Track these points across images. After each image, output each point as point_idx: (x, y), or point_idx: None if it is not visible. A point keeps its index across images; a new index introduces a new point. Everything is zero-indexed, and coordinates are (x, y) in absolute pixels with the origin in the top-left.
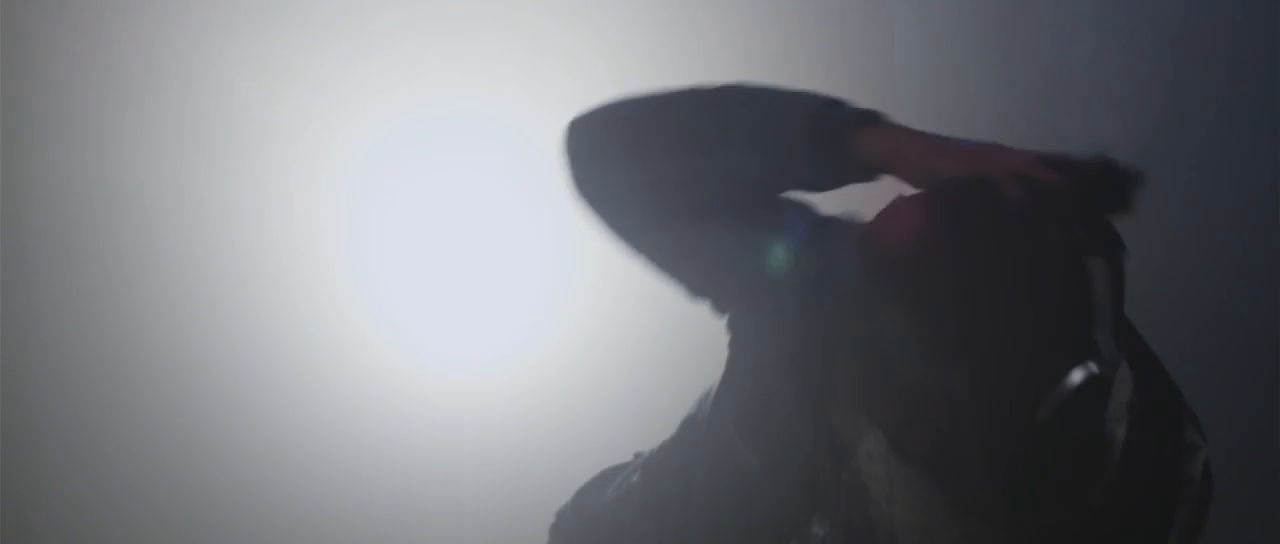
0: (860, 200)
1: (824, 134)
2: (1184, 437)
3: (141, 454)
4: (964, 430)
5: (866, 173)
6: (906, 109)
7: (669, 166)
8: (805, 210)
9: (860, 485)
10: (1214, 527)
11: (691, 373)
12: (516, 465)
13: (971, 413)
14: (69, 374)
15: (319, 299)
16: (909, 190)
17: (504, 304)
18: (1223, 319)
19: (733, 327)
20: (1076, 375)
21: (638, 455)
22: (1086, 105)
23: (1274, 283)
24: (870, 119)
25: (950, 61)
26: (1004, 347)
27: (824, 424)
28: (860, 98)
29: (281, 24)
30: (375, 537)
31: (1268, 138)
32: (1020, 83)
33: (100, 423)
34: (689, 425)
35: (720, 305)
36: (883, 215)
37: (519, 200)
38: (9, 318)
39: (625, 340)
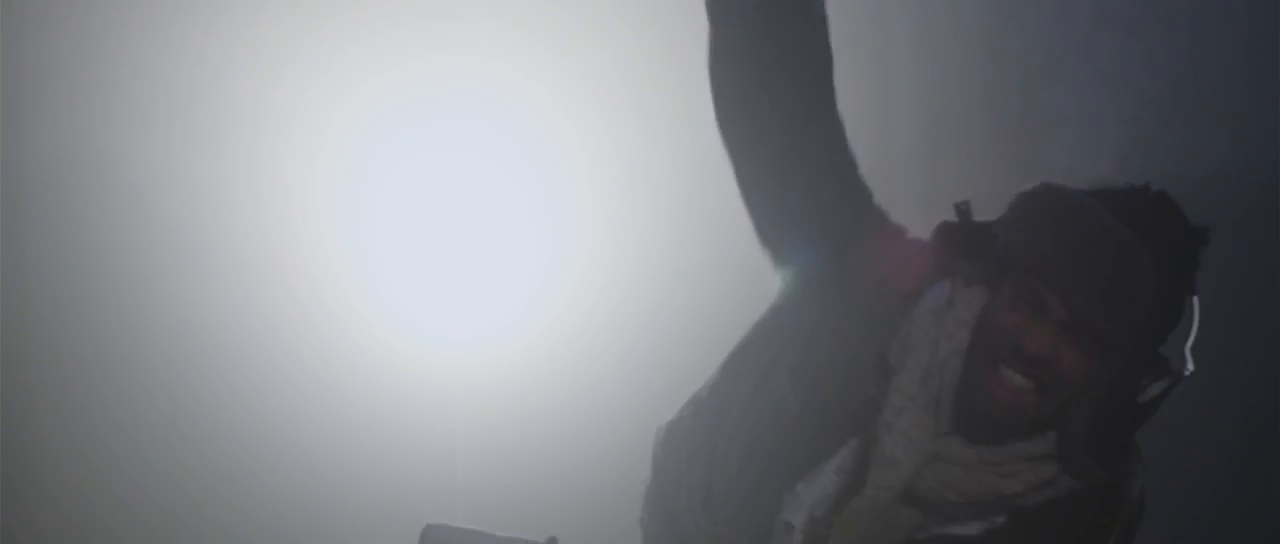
0: None
1: None
2: (1129, 464)
3: (143, 431)
4: (1072, 389)
5: None
6: (902, 88)
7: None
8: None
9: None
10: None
11: (679, 352)
12: (509, 441)
13: (1098, 380)
14: (69, 352)
15: (314, 279)
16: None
17: (497, 283)
18: (1219, 302)
19: (802, 279)
20: (1169, 379)
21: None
22: (1081, 84)
23: (1271, 266)
24: None
25: (946, 40)
26: (1140, 342)
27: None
28: (856, 78)
29: (273, 8)
30: (370, 509)
31: (1263, 118)
32: (1016, 61)
33: (104, 397)
34: (739, 360)
35: (809, 244)
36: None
37: (512, 182)
38: (5, 308)
39: (616, 319)
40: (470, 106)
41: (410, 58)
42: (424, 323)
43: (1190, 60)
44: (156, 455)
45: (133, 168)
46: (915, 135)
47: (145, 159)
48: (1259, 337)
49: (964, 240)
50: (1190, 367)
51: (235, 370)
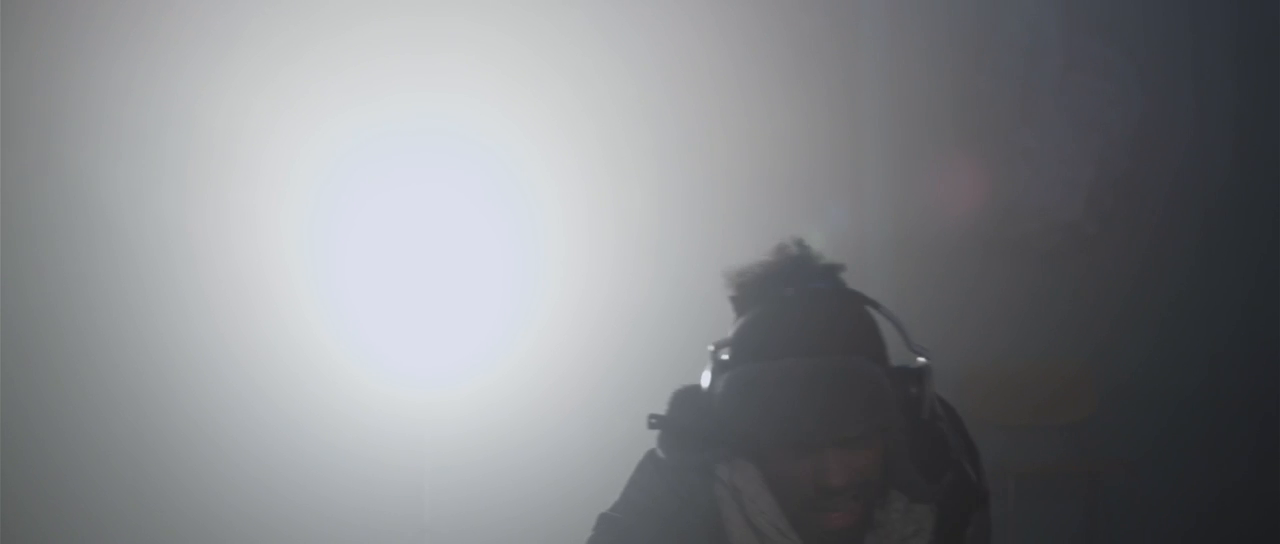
0: None
1: None
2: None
3: (102, 467)
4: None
5: None
6: (873, 125)
7: None
8: None
9: None
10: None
11: (646, 390)
12: (475, 479)
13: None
14: (26, 394)
15: (280, 314)
16: None
17: (465, 320)
18: (1184, 323)
19: None
20: (923, 378)
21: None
22: (1054, 125)
23: (1236, 294)
24: None
25: (918, 82)
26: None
27: None
28: (827, 120)
29: (245, 41)
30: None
31: (1232, 157)
32: (987, 101)
33: (62, 433)
34: None
35: None
36: None
37: (481, 219)
38: None
39: (584, 357)
40: (440, 143)
41: (380, 94)
42: (391, 359)
43: (1159, 102)
44: (112, 492)
45: (98, 190)
46: (885, 175)
47: (111, 182)
48: (1210, 354)
49: (685, 441)
50: (922, 358)
51: (196, 406)
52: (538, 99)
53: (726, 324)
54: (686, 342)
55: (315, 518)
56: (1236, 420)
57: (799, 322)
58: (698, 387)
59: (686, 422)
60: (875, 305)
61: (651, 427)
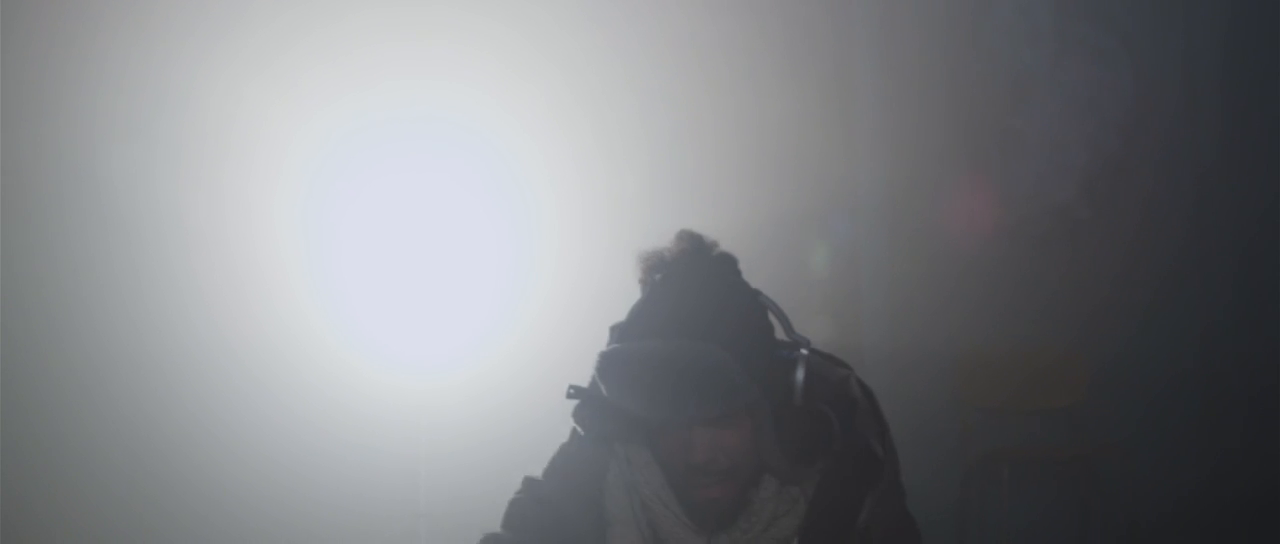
0: None
1: None
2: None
3: (98, 456)
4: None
5: None
6: (866, 111)
7: None
8: None
9: None
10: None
11: None
12: (471, 465)
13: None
14: (23, 378)
15: (275, 301)
16: None
17: (460, 307)
18: (1176, 307)
19: None
20: (800, 360)
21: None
22: (1046, 110)
23: (1227, 277)
24: None
25: (911, 66)
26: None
27: None
28: (820, 104)
29: (240, 27)
30: (332, 534)
31: (1224, 141)
32: (981, 86)
33: (59, 420)
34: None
35: None
36: None
37: (476, 206)
38: None
39: (579, 344)
40: (434, 131)
41: (375, 82)
42: (386, 346)
43: (1154, 86)
44: (109, 479)
45: (94, 177)
46: (879, 160)
47: (107, 170)
48: (1200, 338)
49: (593, 418)
50: (807, 339)
51: (190, 393)
52: (532, 88)
53: None
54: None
55: (311, 504)
56: (1229, 404)
57: (663, 307)
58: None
59: (594, 402)
60: (756, 295)
61: (569, 396)
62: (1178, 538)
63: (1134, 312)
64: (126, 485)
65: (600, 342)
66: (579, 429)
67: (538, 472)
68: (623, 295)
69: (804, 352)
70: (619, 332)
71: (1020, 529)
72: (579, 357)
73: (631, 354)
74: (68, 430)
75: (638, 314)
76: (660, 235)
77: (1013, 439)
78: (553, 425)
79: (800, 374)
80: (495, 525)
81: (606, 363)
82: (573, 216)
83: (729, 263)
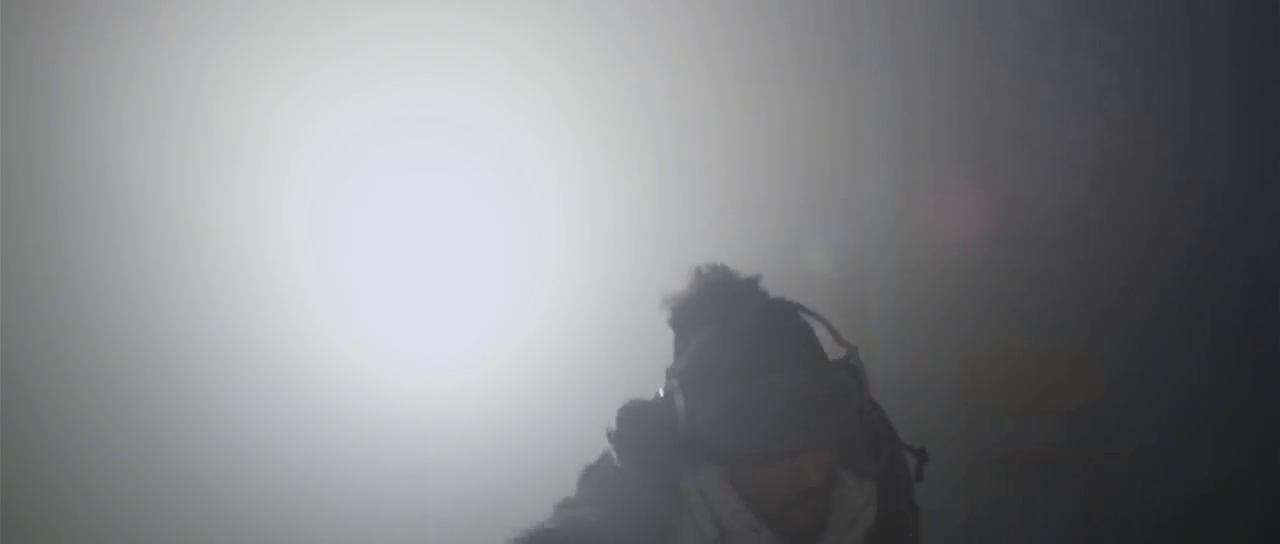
0: None
1: None
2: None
3: (102, 451)
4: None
5: None
6: (875, 112)
7: None
8: None
9: None
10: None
11: (649, 376)
12: (478, 465)
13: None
14: (28, 379)
15: (283, 300)
16: None
17: (467, 306)
18: (1187, 309)
19: None
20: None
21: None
22: (1054, 109)
23: (1238, 280)
24: None
25: (920, 66)
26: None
27: None
28: (829, 106)
29: (247, 26)
30: (339, 535)
31: (1233, 141)
32: (989, 87)
33: (66, 422)
34: None
35: None
36: None
37: (484, 205)
38: None
39: (586, 343)
40: (442, 131)
41: (382, 82)
42: (394, 346)
43: (1162, 86)
44: (112, 476)
45: (102, 175)
46: (887, 159)
47: (114, 167)
48: (1211, 335)
49: (646, 456)
50: (856, 359)
51: (197, 392)
52: (539, 87)
53: None
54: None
55: (318, 504)
56: (1238, 405)
57: (762, 342)
58: (646, 402)
59: (650, 438)
60: (809, 311)
61: (612, 443)
62: (1186, 540)
63: (1143, 313)
64: (131, 484)
65: (606, 340)
66: (627, 469)
67: (543, 481)
68: (632, 294)
69: (858, 355)
70: (714, 373)
71: (1028, 530)
72: (585, 356)
73: (752, 394)
74: (72, 428)
75: (728, 353)
76: (666, 239)
77: (1021, 440)
78: (560, 426)
79: (862, 377)
80: (501, 526)
81: (726, 405)
82: (581, 216)
83: (758, 288)
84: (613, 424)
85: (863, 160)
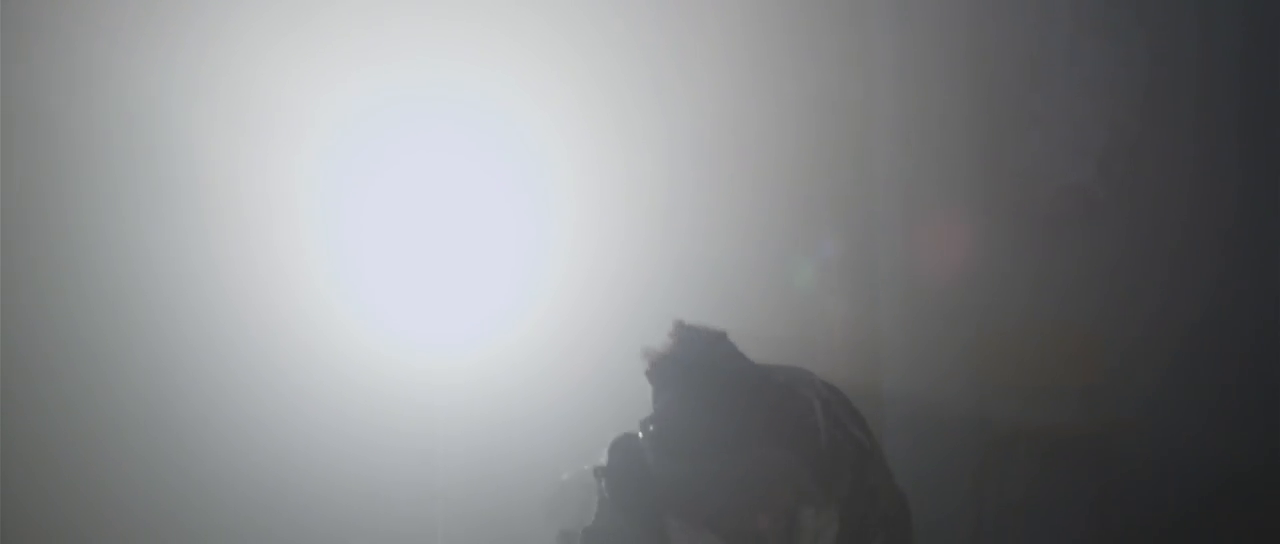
0: None
1: None
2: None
3: (111, 434)
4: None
5: None
6: (883, 89)
7: None
8: None
9: None
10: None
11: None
12: (488, 444)
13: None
14: (33, 349)
15: (292, 281)
16: None
17: (478, 286)
18: (1195, 285)
19: None
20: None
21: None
22: (1063, 88)
23: (1250, 265)
24: None
25: (928, 46)
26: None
27: None
28: (837, 84)
29: (252, 3)
30: (348, 516)
31: (1241, 120)
32: (997, 64)
33: (73, 395)
34: None
35: None
36: None
37: (494, 184)
38: None
39: (597, 322)
40: (452, 109)
41: (391, 58)
42: (404, 326)
43: (1170, 64)
44: (128, 459)
45: (107, 157)
46: (895, 137)
47: (119, 149)
48: (1236, 317)
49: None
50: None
51: (206, 373)
52: (548, 64)
53: (738, 283)
54: (699, 303)
55: (327, 486)
56: (1247, 383)
57: (720, 418)
58: (633, 443)
59: (633, 479)
60: (780, 371)
61: (598, 476)
62: (1195, 516)
63: (1152, 290)
64: (139, 462)
65: (616, 322)
66: (606, 491)
67: (551, 462)
68: (643, 273)
69: (816, 402)
70: (664, 446)
71: (1037, 508)
72: (598, 335)
73: (693, 478)
74: (79, 407)
75: (677, 429)
76: (676, 215)
77: (1030, 418)
78: (570, 407)
79: (820, 418)
80: (511, 507)
81: (680, 487)
82: (591, 195)
83: (724, 343)
84: (603, 460)
85: (872, 139)
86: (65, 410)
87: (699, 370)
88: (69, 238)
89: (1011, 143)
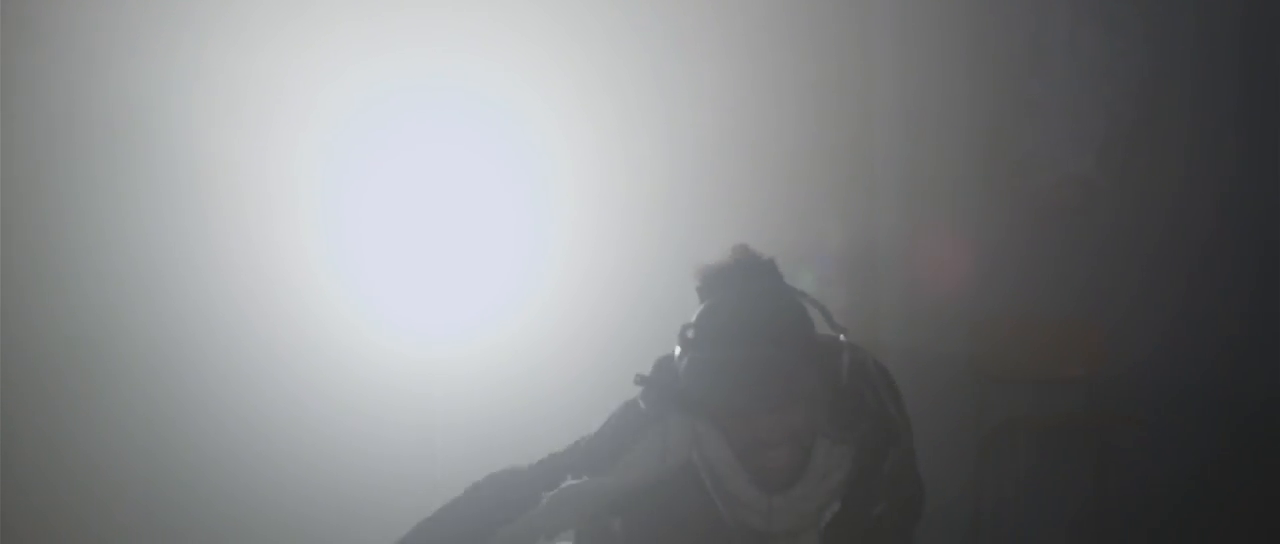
0: None
1: None
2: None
3: (112, 429)
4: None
5: None
6: (882, 78)
7: None
8: None
9: None
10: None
11: (658, 346)
12: (488, 436)
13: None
14: (31, 336)
15: (291, 272)
16: None
17: (477, 278)
18: (1196, 277)
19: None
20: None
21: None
22: (1063, 77)
23: (1249, 255)
24: None
25: (927, 30)
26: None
27: None
28: (836, 72)
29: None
30: (348, 507)
31: (1241, 109)
32: (997, 52)
33: (71, 390)
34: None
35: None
36: None
37: (492, 175)
38: None
39: (596, 314)
40: (451, 102)
41: (389, 50)
42: (403, 317)
43: (1171, 53)
44: (125, 453)
45: (105, 150)
46: (895, 125)
47: (117, 142)
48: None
49: (663, 398)
50: (843, 335)
51: (207, 364)
52: (545, 56)
53: None
54: (696, 299)
55: (325, 475)
56: (1246, 374)
57: (737, 318)
58: (670, 356)
59: (660, 385)
60: (801, 295)
61: (637, 383)
62: (1194, 508)
63: (1151, 280)
64: (135, 458)
65: (616, 313)
66: (648, 408)
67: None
68: (642, 262)
69: (844, 339)
70: (698, 338)
71: (1036, 499)
72: (596, 329)
73: (713, 361)
74: (75, 402)
75: (711, 323)
76: (675, 207)
77: (1029, 409)
78: (572, 396)
79: (846, 359)
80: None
81: (695, 367)
82: (590, 188)
83: (773, 270)
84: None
85: (871, 128)
86: (62, 405)
87: (740, 281)
88: (65, 232)
89: (1011, 132)
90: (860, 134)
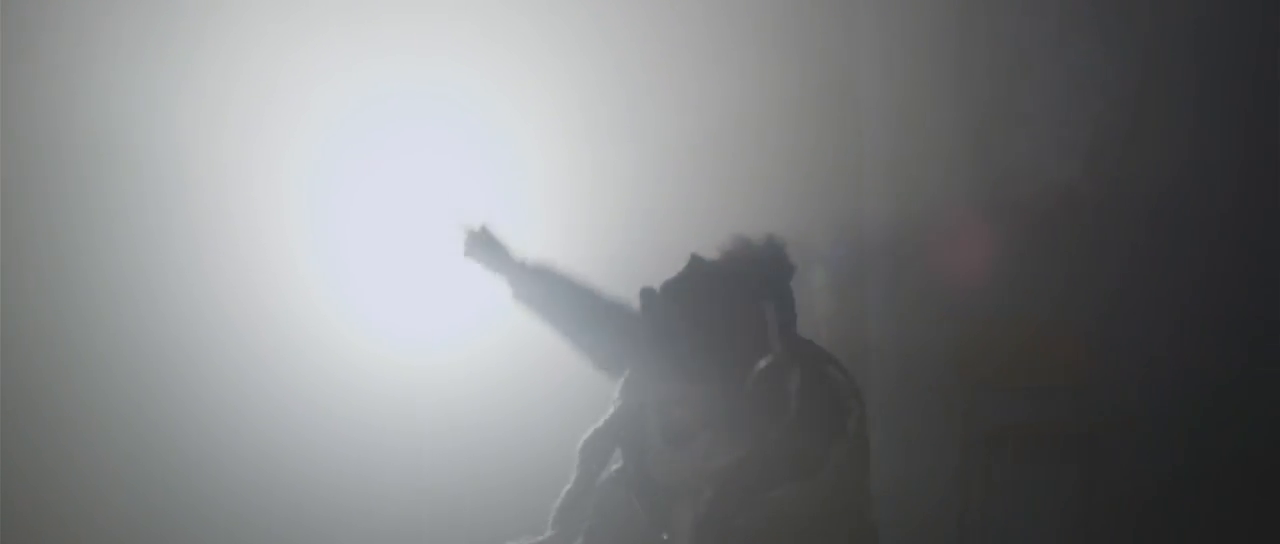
0: None
1: None
2: (841, 403)
3: (104, 429)
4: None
5: None
6: (869, 86)
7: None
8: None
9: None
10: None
11: None
12: (474, 442)
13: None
14: (25, 341)
15: (277, 279)
16: None
17: (461, 284)
18: (1183, 284)
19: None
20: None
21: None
22: (1050, 84)
23: (1235, 260)
24: None
25: (914, 40)
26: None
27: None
28: (823, 77)
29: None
30: (333, 513)
31: (1229, 117)
32: (984, 61)
33: (55, 390)
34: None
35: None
36: None
37: (474, 182)
38: None
39: None
40: (439, 107)
41: (372, 59)
42: (388, 324)
43: (1157, 62)
44: (114, 457)
45: (95, 154)
46: (881, 134)
47: (106, 146)
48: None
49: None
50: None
51: (193, 371)
52: (534, 60)
53: None
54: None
55: (312, 482)
56: (1232, 379)
57: (695, 273)
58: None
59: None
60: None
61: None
62: (1180, 514)
63: (1137, 288)
64: (125, 460)
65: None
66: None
67: (536, 459)
68: (620, 272)
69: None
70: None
71: (1023, 506)
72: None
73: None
74: (66, 404)
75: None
76: (654, 212)
77: (1016, 416)
78: (557, 404)
79: (762, 363)
80: (498, 504)
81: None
82: (578, 191)
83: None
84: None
85: (859, 136)
86: (48, 409)
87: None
88: (52, 238)
89: (999, 140)
90: (847, 143)
